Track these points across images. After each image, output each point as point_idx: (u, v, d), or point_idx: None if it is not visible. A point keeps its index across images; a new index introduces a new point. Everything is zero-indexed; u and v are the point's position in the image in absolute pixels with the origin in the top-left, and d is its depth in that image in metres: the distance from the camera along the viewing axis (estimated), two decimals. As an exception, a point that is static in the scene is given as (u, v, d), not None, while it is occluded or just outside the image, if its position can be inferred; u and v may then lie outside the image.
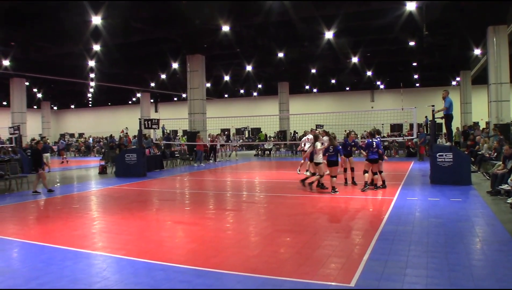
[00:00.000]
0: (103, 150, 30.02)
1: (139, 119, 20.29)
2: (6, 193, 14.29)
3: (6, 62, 25.50)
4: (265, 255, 6.57)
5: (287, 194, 12.80)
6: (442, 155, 13.69)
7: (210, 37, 23.96)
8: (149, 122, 19.60)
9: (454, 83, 40.34)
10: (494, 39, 20.50)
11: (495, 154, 15.77)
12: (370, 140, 12.95)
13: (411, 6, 18.30)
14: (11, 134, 22.80)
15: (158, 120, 20.07)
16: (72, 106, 60.60)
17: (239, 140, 35.43)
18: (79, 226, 9.05)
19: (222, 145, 28.12)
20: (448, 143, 15.15)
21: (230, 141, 18.22)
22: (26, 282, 5.59)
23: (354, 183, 13.98)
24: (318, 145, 12.52)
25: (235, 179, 17.56)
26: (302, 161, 16.13)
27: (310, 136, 15.00)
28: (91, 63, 28.14)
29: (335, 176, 12.41)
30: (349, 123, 33.20)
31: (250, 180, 17.01)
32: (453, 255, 6.32)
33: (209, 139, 26.55)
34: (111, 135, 41.89)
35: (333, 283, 5.27)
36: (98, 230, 8.75)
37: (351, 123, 32.83)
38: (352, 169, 14.24)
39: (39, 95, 44.17)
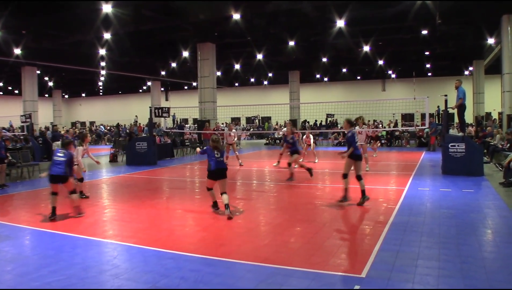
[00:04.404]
0: (113, 138, 30.18)
1: (150, 107, 20.30)
2: (18, 180, 14.42)
3: (17, 51, 25.56)
4: (275, 245, 6.56)
5: (297, 183, 12.75)
6: (454, 146, 13.55)
7: (220, 26, 23.83)
8: (160, 111, 19.61)
9: (467, 72, 39.83)
10: (509, 28, 20.19)
11: (508, 145, 15.58)
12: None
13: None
14: (22, 122, 22.91)
15: (168, 108, 20.06)
16: (83, 95, 60.85)
17: (239, 129, 35.59)
18: (90, 214, 9.10)
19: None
20: (460, 134, 14.98)
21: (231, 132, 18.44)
22: (37, 269, 5.62)
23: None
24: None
25: (245, 168, 17.53)
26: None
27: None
28: (102, 52, 28.16)
29: None
30: (360, 112, 32.99)
31: (260, 169, 17.00)
32: (465, 246, 6.26)
33: (214, 128, 26.52)
34: (118, 123, 42.02)
35: (343, 274, 5.25)
36: (109, 218, 8.80)
37: (362, 112, 32.64)
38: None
39: (51, 84, 44.30)
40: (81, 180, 10.89)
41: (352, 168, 9.43)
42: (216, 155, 8.71)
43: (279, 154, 17.70)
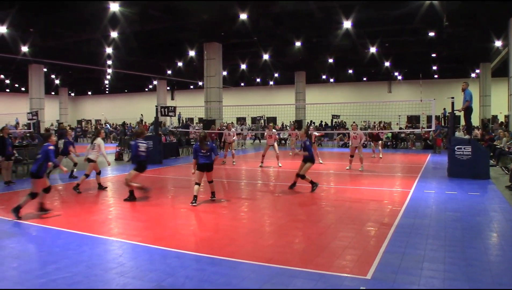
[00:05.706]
0: (119, 137, 30.26)
1: (156, 106, 20.34)
2: (24, 177, 14.47)
3: (25, 49, 25.69)
4: (280, 245, 6.56)
5: (302, 184, 12.74)
6: (460, 148, 13.51)
7: (227, 26, 23.85)
8: (166, 110, 19.65)
9: (473, 75, 39.68)
10: (516, 31, 20.07)
11: (515, 148, 15.52)
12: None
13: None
14: (29, 119, 23.05)
15: (174, 107, 20.10)
16: (89, 93, 61.09)
17: (245, 129, 35.77)
18: (96, 212, 9.14)
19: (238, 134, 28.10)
20: (467, 136, 14.92)
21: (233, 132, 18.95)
22: (43, 266, 5.65)
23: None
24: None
25: (249, 168, 17.55)
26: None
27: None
28: (109, 50, 28.25)
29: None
30: (365, 113, 33.05)
31: (265, 169, 16.98)
32: (471, 249, 6.24)
33: (218, 128, 26.57)
34: (124, 122, 42.14)
35: (349, 275, 5.24)
36: (114, 216, 8.83)
37: (368, 113, 32.68)
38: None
39: (57, 82, 44.55)
40: (99, 173, 12.11)
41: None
42: (202, 151, 9.84)
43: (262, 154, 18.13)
